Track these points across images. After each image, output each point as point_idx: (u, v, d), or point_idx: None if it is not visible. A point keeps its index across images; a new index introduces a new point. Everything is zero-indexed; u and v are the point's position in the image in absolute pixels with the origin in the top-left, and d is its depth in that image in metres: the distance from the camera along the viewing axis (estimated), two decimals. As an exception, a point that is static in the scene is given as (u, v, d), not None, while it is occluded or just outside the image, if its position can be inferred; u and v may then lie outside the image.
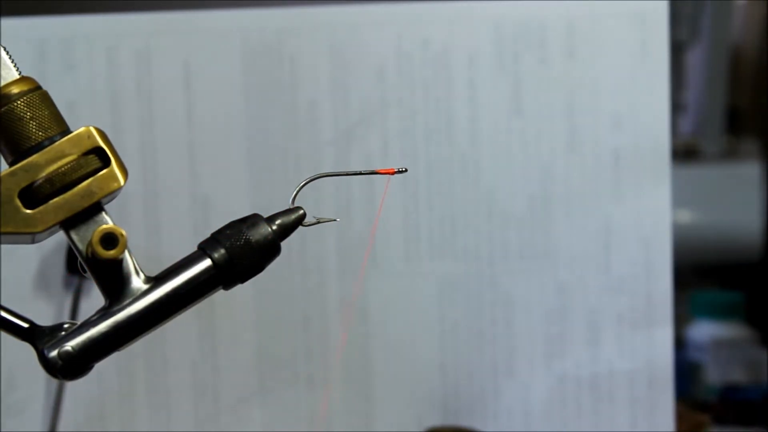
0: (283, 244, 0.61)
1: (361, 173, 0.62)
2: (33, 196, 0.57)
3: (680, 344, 1.38)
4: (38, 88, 0.58)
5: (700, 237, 1.70)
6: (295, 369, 1.04)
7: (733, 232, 1.72)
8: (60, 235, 0.59)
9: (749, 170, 1.76)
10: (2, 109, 0.57)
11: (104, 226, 0.57)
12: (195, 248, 0.60)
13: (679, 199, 1.09)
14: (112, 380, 1.03)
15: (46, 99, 0.58)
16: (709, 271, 1.76)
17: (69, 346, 0.57)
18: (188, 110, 1.03)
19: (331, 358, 1.04)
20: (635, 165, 1.04)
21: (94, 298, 0.96)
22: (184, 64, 1.03)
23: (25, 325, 0.58)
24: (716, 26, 1.87)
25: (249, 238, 0.59)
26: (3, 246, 0.65)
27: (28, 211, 0.57)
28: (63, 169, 0.57)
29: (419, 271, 1.05)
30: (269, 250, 0.59)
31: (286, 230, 0.60)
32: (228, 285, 0.59)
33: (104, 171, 0.58)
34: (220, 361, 1.04)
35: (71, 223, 0.58)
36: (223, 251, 0.59)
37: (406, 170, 0.62)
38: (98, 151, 0.58)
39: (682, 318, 1.44)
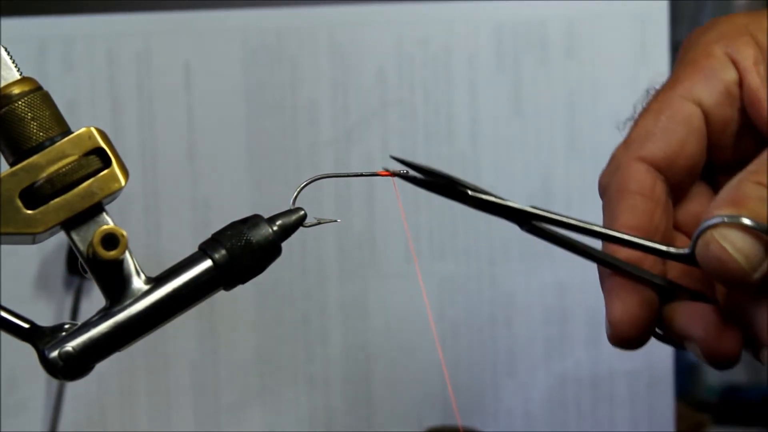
0: (284, 244, 0.60)
1: (362, 175, 0.62)
2: (34, 196, 0.57)
3: (680, 344, 1.38)
4: (39, 88, 0.58)
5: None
6: (295, 369, 1.04)
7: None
8: (61, 236, 0.59)
9: (749, 170, 1.76)
10: (3, 110, 0.57)
11: (105, 227, 0.57)
12: (195, 249, 0.60)
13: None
14: (112, 380, 1.03)
15: (47, 99, 0.58)
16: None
17: (69, 346, 0.57)
18: (188, 110, 1.03)
19: (331, 358, 1.04)
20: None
21: (94, 299, 0.96)
22: (184, 64, 1.03)
23: (26, 325, 0.58)
24: (716, 26, 1.86)
25: (250, 239, 0.59)
26: (3, 246, 0.65)
27: (29, 211, 0.57)
28: (64, 169, 0.57)
29: (419, 271, 1.05)
30: (270, 250, 0.59)
31: (286, 231, 0.59)
32: (229, 285, 0.59)
33: (105, 171, 0.58)
34: (220, 361, 1.04)
35: (72, 223, 0.58)
36: (223, 252, 0.58)
37: (407, 172, 0.62)
38: (99, 152, 0.58)
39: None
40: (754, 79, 0.60)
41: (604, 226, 0.60)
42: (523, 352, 1.05)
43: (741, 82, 0.61)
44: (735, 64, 0.61)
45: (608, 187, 0.62)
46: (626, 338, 0.58)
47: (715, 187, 0.63)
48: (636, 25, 1.05)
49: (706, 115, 0.61)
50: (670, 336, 0.59)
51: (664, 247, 0.58)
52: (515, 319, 1.05)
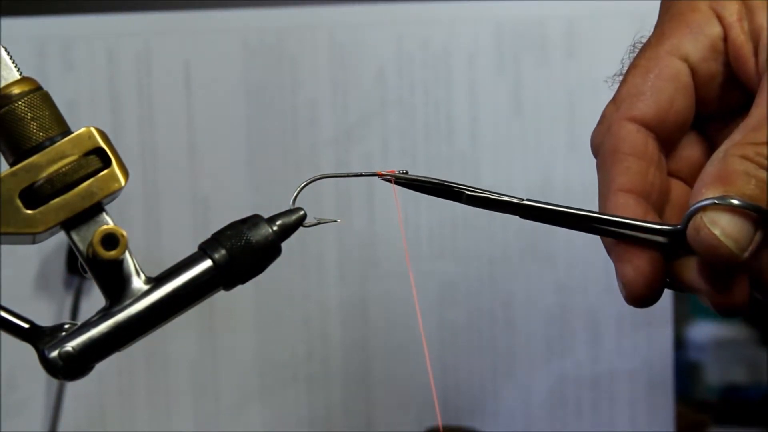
0: (284, 244, 0.61)
1: (361, 175, 0.62)
2: (34, 196, 0.57)
3: (680, 344, 1.38)
4: (39, 88, 0.58)
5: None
6: (295, 369, 1.04)
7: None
8: (61, 236, 0.59)
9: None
10: (3, 110, 0.57)
11: (105, 227, 0.57)
12: (195, 249, 0.60)
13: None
14: (112, 380, 1.03)
15: (47, 99, 0.58)
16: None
17: (69, 346, 0.57)
18: (188, 110, 1.03)
19: (330, 358, 1.04)
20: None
21: (94, 299, 0.96)
22: (184, 64, 1.03)
23: (26, 325, 0.58)
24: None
25: (250, 239, 0.59)
26: (3, 246, 0.65)
27: (29, 211, 0.57)
28: (64, 169, 0.57)
29: (419, 271, 1.05)
30: (270, 250, 0.59)
31: (286, 231, 0.60)
32: (229, 285, 0.59)
33: (105, 171, 0.58)
34: (220, 361, 1.04)
35: (72, 223, 0.58)
36: (223, 252, 0.58)
37: (407, 173, 0.62)
38: (99, 152, 0.58)
39: (682, 318, 1.44)
40: (738, 35, 0.61)
41: (599, 212, 0.61)
42: (523, 352, 1.05)
43: (726, 37, 0.61)
44: (720, 18, 0.62)
45: (601, 147, 0.63)
46: (641, 296, 0.59)
47: (704, 133, 0.64)
48: (636, 25, 1.05)
49: (693, 71, 0.62)
50: (680, 288, 0.61)
51: (657, 225, 0.59)
52: (515, 319, 1.05)
